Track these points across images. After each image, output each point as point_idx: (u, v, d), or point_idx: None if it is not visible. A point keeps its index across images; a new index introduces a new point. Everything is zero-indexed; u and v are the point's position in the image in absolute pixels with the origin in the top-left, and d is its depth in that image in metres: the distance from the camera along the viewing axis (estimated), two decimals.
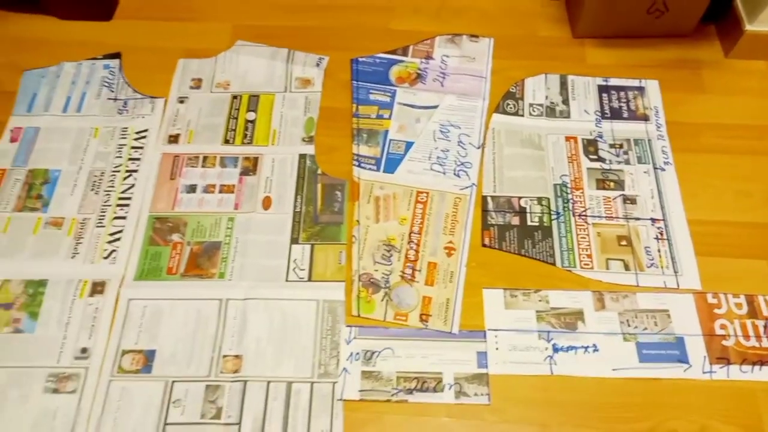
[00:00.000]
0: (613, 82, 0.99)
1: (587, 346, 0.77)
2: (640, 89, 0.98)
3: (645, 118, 0.95)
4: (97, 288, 0.82)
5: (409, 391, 0.74)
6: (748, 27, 0.97)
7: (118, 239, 0.86)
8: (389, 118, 0.96)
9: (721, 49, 1.03)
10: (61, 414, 0.74)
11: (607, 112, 0.96)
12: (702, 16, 1.00)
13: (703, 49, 1.03)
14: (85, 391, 0.75)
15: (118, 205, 0.89)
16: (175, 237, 0.86)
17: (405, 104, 0.97)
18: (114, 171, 0.92)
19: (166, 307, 0.81)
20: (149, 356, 0.77)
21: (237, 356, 0.77)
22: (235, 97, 0.99)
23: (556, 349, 0.76)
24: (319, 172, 0.91)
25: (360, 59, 1.02)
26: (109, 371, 0.76)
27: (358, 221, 0.86)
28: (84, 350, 0.78)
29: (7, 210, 0.88)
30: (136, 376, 0.76)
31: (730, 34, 1.01)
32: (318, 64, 1.02)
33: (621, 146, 0.93)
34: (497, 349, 0.77)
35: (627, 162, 0.91)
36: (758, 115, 0.96)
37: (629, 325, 0.78)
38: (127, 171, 0.92)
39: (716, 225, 0.86)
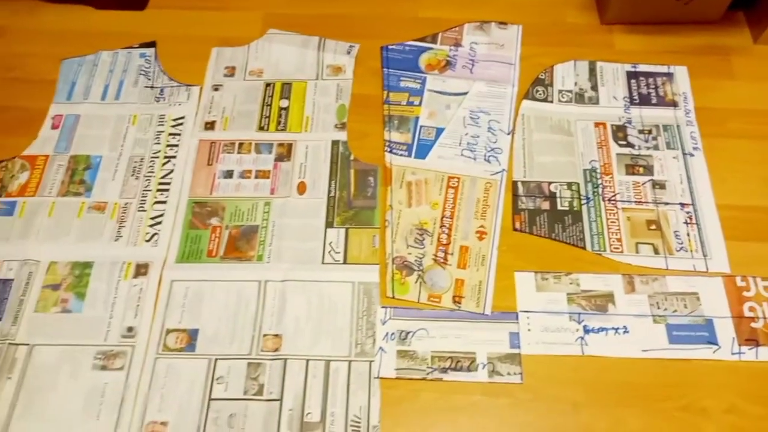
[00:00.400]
0: (642, 68, 1.00)
1: (617, 328, 0.78)
2: (669, 75, 0.99)
3: (674, 104, 0.96)
4: (141, 270, 0.85)
5: (444, 370, 0.77)
6: None
7: (159, 223, 0.89)
8: (419, 104, 0.98)
9: (750, 35, 1.03)
10: (110, 389, 0.77)
11: (636, 98, 0.97)
12: (730, 3, 1.00)
13: (732, 35, 1.03)
14: (132, 367, 0.78)
15: (158, 190, 0.91)
16: (214, 221, 0.89)
17: (435, 91, 0.99)
18: (153, 157, 0.94)
19: (208, 288, 0.83)
20: (192, 335, 0.80)
21: (276, 335, 0.80)
22: (268, 84, 1.01)
23: (587, 331, 0.78)
24: (352, 158, 0.93)
25: (390, 47, 1.04)
26: (155, 349, 0.79)
27: (390, 206, 0.88)
28: (130, 329, 0.81)
29: (52, 195, 0.91)
30: (181, 353, 0.79)
31: (759, 21, 1.01)
32: (348, 52, 1.04)
33: (650, 132, 0.94)
34: (529, 330, 0.79)
35: (656, 147, 0.92)
36: None
37: (659, 308, 0.80)
38: (165, 157, 0.94)
39: (745, 210, 0.87)
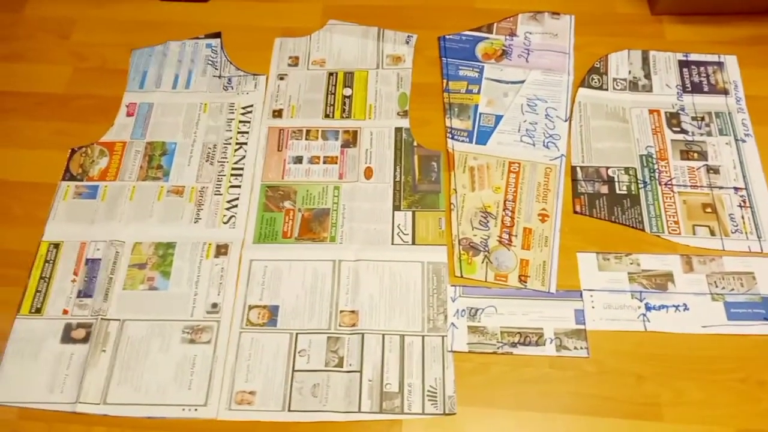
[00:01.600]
0: (693, 57, 1.03)
1: (678, 305, 0.83)
2: (719, 64, 1.02)
3: (725, 92, 1.00)
4: (221, 250, 0.90)
5: (513, 345, 0.81)
6: None
7: (235, 206, 0.93)
8: (478, 93, 1.02)
9: None
10: (199, 360, 0.82)
11: (688, 86, 1.00)
12: None
13: None
14: (218, 341, 0.83)
15: (232, 175, 0.96)
16: (287, 204, 0.93)
17: (493, 79, 1.03)
18: (225, 143, 0.99)
19: (285, 267, 0.88)
20: (273, 311, 0.85)
21: (353, 311, 0.85)
22: (331, 74, 1.05)
23: (648, 308, 0.83)
24: (415, 144, 0.98)
25: (447, 37, 1.08)
26: (239, 324, 0.85)
27: (455, 190, 0.93)
28: (214, 305, 0.86)
29: (132, 179, 0.96)
30: (263, 328, 0.84)
31: None
32: (407, 42, 1.07)
33: (703, 119, 0.97)
34: (593, 307, 0.83)
35: (709, 134, 0.96)
36: None
37: (717, 286, 0.84)
38: (237, 143, 0.99)
39: None
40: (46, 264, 0.90)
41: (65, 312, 0.86)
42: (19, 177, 0.98)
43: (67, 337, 0.84)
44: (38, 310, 0.86)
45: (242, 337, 0.84)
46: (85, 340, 0.84)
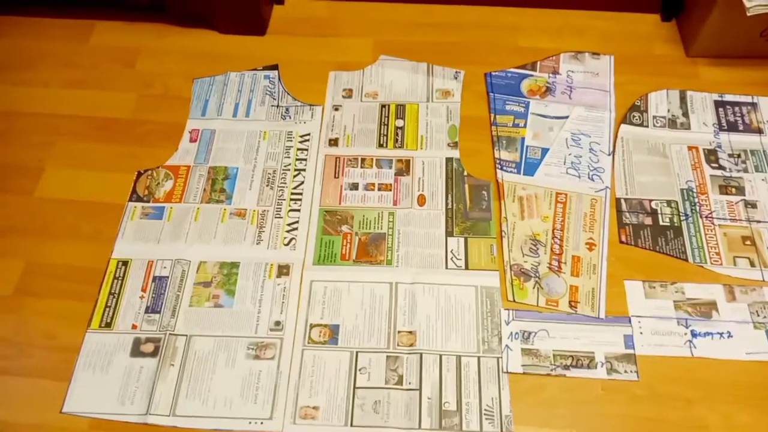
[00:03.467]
0: (728, 98, 1.09)
1: (722, 333, 0.87)
2: (753, 105, 1.08)
3: (759, 131, 1.05)
4: (283, 270, 0.94)
5: (566, 367, 0.85)
6: None
7: (296, 229, 0.98)
8: (524, 126, 1.07)
9: None
10: (264, 376, 0.86)
11: (724, 124, 1.06)
12: None
13: None
14: (282, 357, 0.87)
15: (292, 199, 1.01)
16: (345, 228, 0.98)
17: (538, 114, 1.08)
18: (284, 169, 1.04)
19: (344, 287, 0.93)
20: (334, 330, 0.89)
21: (410, 332, 0.89)
22: (383, 105, 1.11)
23: (694, 335, 0.87)
24: (466, 173, 1.03)
25: (493, 73, 1.14)
26: (301, 342, 0.88)
27: (505, 218, 0.97)
28: (277, 323, 0.90)
29: (196, 201, 1.01)
30: (325, 346, 0.88)
31: None
32: (455, 77, 1.13)
33: (739, 156, 1.02)
34: (641, 333, 0.87)
35: (745, 170, 1.01)
36: None
37: (758, 315, 0.88)
38: (296, 170, 1.04)
39: None
40: (115, 280, 0.94)
41: (134, 327, 0.90)
42: (87, 197, 1.03)
43: (136, 351, 0.88)
44: (108, 325, 0.91)
45: (305, 354, 0.88)
46: (153, 354, 0.88)
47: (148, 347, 0.89)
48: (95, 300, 0.93)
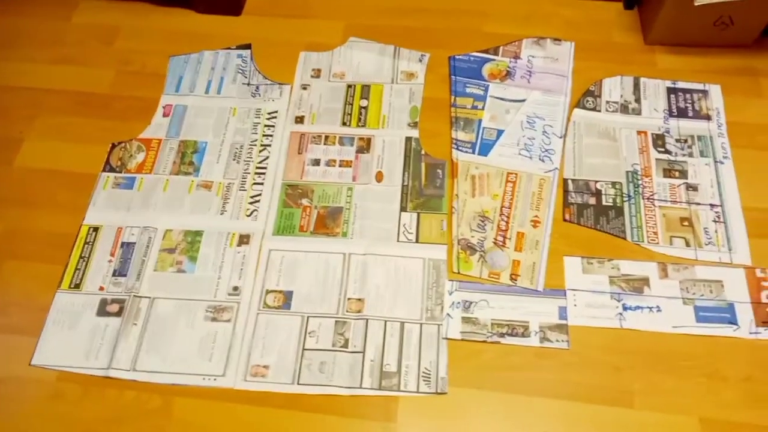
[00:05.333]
0: (681, 85, 1.13)
1: (651, 307, 0.92)
2: (704, 92, 1.12)
3: (708, 118, 1.09)
4: (243, 239, 1.00)
5: (501, 335, 0.91)
6: None
7: (258, 201, 1.03)
8: (482, 109, 1.12)
9: None
10: (219, 337, 0.92)
11: (674, 111, 1.10)
12: (764, 30, 1.13)
13: (763, 58, 1.15)
14: (238, 320, 0.93)
15: (257, 173, 1.06)
16: (305, 201, 1.03)
17: (496, 97, 1.13)
18: (251, 145, 1.09)
19: (301, 257, 0.98)
20: (288, 296, 0.95)
21: (359, 299, 0.94)
22: (349, 86, 1.15)
23: (625, 308, 0.92)
24: (423, 152, 1.08)
25: (457, 57, 1.18)
26: (257, 306, 0.94)
27: (457, 195, 1.02)
28: (235, 288, 0.96)
29: (166, 173, 1.07)
30: (278, 311, 0.94)
31: None
32: (420, 60, 1.18)
33: (686, 141, 1.07)
34: (575, 305, 0.92)
35: (690, 155, 1.05)
36: None
37: (688, 292, 0.93)
38: (262, 145, 1.09)
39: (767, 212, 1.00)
40: (86, 245, 1.00)
41: (101, 288, 0.96)
42: (65, 167, 1.08)
43: (102, 311, 0.95)
44: (77, 286, 0.97)
45: (259, 317, 0.93)
46: (118, 314, 0.94)
47: (114, 307, 0.95)
48: (66, 263, 0.99)
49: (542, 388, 0.87)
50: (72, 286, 0.97)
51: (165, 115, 1.13)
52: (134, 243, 1.00)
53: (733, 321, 0.90)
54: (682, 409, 0.85)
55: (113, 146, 1.10)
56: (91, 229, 1.01)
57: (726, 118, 1.09)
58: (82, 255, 0.99)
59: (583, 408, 0.85)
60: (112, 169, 1.07)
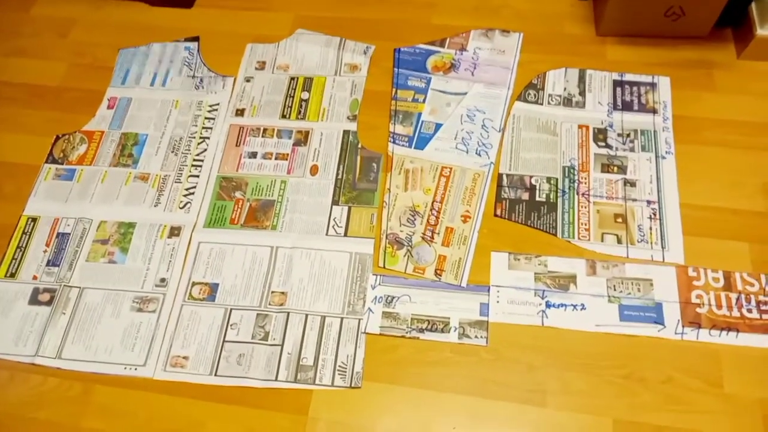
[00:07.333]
0: (628, 77, 1.10)
1: (576, 305, 0.90)
2: (653, 85, 1.09)
3: (653, 111, 1.06)
4: (174, 231, 1.01)
5: (421, 330, 0.90)
6: (759, 31, 1.06)
7: (192, 193, 1.04)
8: (423, 102, 1.10)
9: (734, 51, 1.11)
10: (143, 327, 0.93)
11: (619, 104, 1.07)
12: (718, 21, 1.09)
13: (717, 50, 1.12)
14: (162, 311, 0.94)
15: (193, 165, 1.07)
16: (238, 194, 1.04)
17: (438, 90, 1.11)
18: (190, 137, 1.10)
19: (229, 249, 0.98)
20: (213, 288, 0.96)
21: (283, 292, 0.94)
22: (292, 78, 1.15)
23: (548, 305, 0.90)
24: (360, 146, 1.07)
25: (402, 49, 1.17)
26: (182, 297, 0.95)
27: (389, 189, 1.02)
28: (162, 280, 0.97)
29: (105, 165, 1.08)
30: (203, 303, 0.94)
31: (743, 38, 1.09)
32: (365, 52, 1.17)
33: (628, 135, 1.04)
34: (498, 301, 0.91)
35: (632, 150, 1.02)
36: (761, 114, 1.05)
37: (615, 290, 0.91)
38: (201, 138, 1.10)
39: (706, 210, 0.97)
40: (24, 235, 1.02)
41: (35, 278, 0.98)
42: (12, 158, 1.11)
43: (34, 299, 0.96)
44: (12, 275, 0.99)
45: (184, 308, 0.94)
46: (49, 303, 0.96)
47: (45, 296, 0.96)
48: (4, 253, 1.01)
49: (454, 384, 0.86)
50: (8, 275, 0.99)
51: (109, 107, 1.14)
52: (69, 234, 1.02)
53: (659, 321, 0.88)
54: (596, 410, 0.83)
55: (57, 138, 1.11)
56: (30, 220, 1.03)
57: (673, 112, 1.06)
58: (20, 245, 1.01)
59: (494, 405, 0.84)
60: (54, 161, 1.09)
